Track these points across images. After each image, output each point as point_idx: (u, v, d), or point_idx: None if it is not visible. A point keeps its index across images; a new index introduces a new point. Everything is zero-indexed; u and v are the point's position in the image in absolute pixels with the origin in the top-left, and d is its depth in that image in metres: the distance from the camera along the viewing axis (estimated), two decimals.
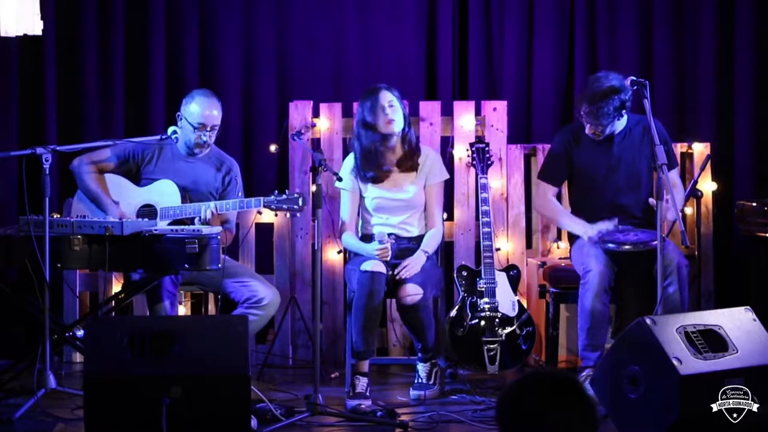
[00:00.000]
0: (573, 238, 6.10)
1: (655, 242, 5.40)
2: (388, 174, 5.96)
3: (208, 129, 5.88)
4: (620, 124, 5.98)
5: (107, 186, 5.88)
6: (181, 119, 5.90)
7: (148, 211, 5.82)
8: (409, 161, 5.97)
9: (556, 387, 2.90)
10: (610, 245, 5.77)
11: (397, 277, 5.75)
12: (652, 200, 5.86)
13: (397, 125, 5.92)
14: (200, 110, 5.86)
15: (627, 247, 5.75)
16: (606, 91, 5.83)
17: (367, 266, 5.72)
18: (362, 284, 5.69)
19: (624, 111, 5.89)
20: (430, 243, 5.94)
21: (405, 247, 5.92)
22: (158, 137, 5.72)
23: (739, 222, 6.43)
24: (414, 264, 5.79)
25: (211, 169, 5.99)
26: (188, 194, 5.87)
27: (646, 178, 6.00)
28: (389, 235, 5.90)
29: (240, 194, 6.01)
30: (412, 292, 5.72)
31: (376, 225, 5.97)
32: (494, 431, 2.92)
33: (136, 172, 5.94)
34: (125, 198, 5.86)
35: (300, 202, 5.65)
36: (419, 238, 5.97)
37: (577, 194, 6.10)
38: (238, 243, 6.39)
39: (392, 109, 5.90)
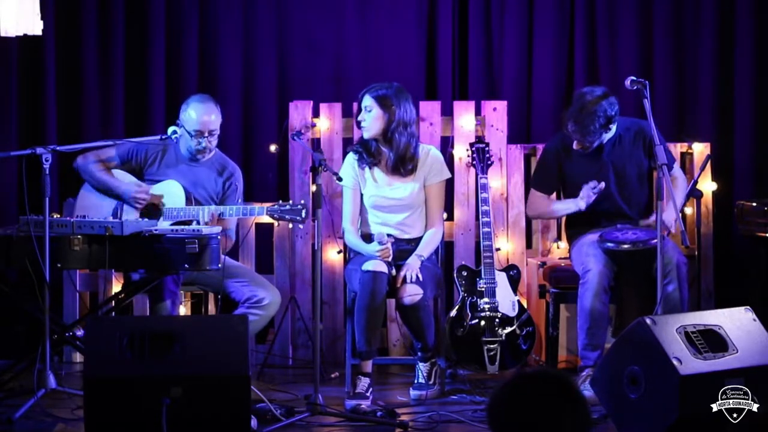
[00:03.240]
0: (572, 238, 6.11)
1: (654, 241, 5.40)
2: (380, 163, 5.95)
3: (206, 134, 5.87)
4: (608, 133, 5.97)
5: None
6: (180, 126, 5.89)
7: (153, 210, 5.82)
8: (400, 167, 5.92)
9: (546, 387, 2.90)
10: (609, 244, 5.77)
11: (399, 279, 5.74)
12: (643, 222, 5.88)
13: (366, 132, 5.90)
14: (196, 117, 5.85)
15: (626, 246, 5.75)
16: (591, 110, 5.82)
17: (369, 266, 5.71)
18: (364, 284, 5.68)
19: (611, 125, 5.88)
20: (426, 247, 5.91)
21: (404, 248, 5.91)
22: (158, 137, 5.72)
23: (739, 222, 6.43)
24: (412, 269, 5.77)
25: (213, 174, 5.98)
26: (191, 196, 5.87)
27: (638, 182, 6.00)
28: (387, 235, 5.89)
29: (240, 201, 6.00)
30: (412, 292, 5.71)
31: (374, 224, 5.96)
32: None
33: (138, 172, 5.95)
34: None
35: (303, 214, 5.64)
36: (419, 240, 5.96)
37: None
38: (238, 243, 6.39)
39: (365, 112, 5.89)
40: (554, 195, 6.20)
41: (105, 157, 5.93)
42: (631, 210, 6.00)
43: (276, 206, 5.68)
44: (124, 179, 5.91)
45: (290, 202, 5.71)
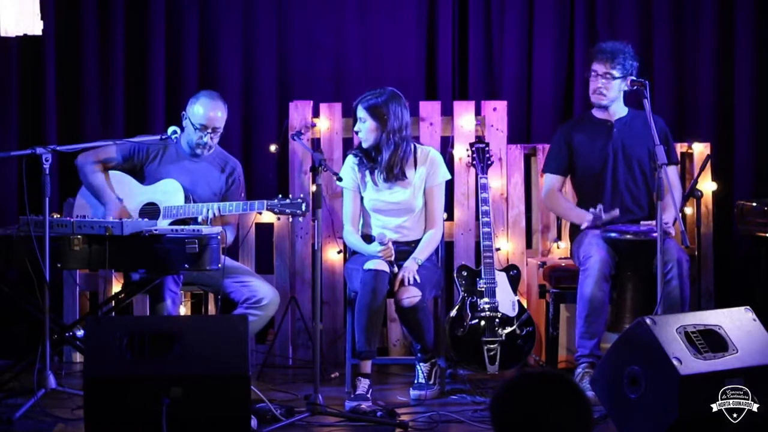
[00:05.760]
0: (575, 234, 6.10)
1: (657, 233, 5.39)
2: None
3: (210, 131, 5.87)
4: (622, 110, 6.01)
5: (111, 183, 5.89)
6: (185, 119, 5.90)
7: (151, 209, 5.82)
8: (390, 174, 5.88)
9: (548, 387, 2.91)
10: (612, 234, 5.78)
11: (397, 282, 5.73)
12: (644, 222, 5.90)
13: (364, 141, 5.90)
14: (203, 111, 5.85)
15: (629, 236, 5.76)
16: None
17: (371, 265, 5.71)
18: (365, 283, 5.68)
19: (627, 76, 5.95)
20: (424, 249, 5.90)
21: (403, 250, 5.90)
22: (158, 137, 5.72)
23: (739, 222, 6.44)
24: (409, 272, 5.76)
25: (215, 170, 5.98)
26: (191, 194, 5.87)
27: (648, 167, 6.00)
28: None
29: (242, 196, 6.01)
30: (411, 294, 5.71)
31: (375, 227, 5.96)
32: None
33: (140, 169, 5.95)
34: (129, 196, 5.87)
35: (303, 207, 5.66)
36: (419, 242, 5.95)
37: (579, 183, 6.11)
38: (238, 243, 6.39)
39: (360, 123, 5.89)
40: (569, 187, 6.19)
41: (104, 157, 5.91)
42: (637, 192, 6.00)
43: (276, 201, 5.69)
44: (120, 185, 5.88)
45: (290, 196, 5.72)
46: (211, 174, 5.97)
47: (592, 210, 5.89)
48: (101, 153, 5.91)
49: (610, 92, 6.01)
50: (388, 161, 5.87)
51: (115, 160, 5.93)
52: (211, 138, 5.89)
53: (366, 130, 5.88)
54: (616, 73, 5.96)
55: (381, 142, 5.87)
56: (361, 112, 5.88)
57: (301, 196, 5.74)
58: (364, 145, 5.91)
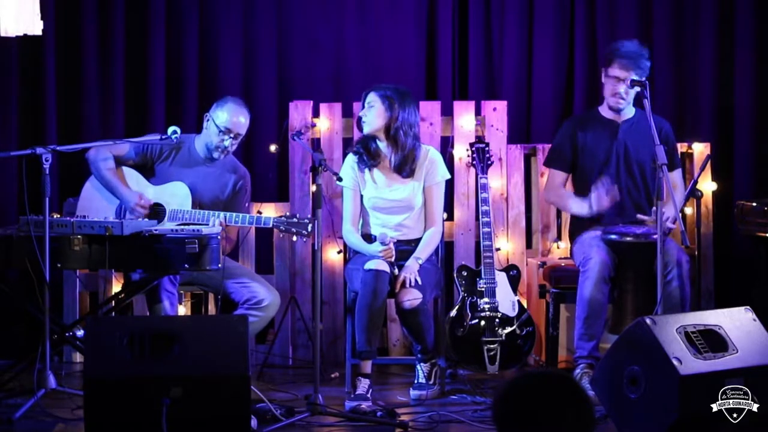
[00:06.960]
0: (574, 234, 6.10)
1: (656, 235, 5.39)
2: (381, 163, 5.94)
3: (232, 135, 5.87)
4: (630, 111, 6.02)
5: (124, 177, 5.89)
6: (208, 120, 5.89)
7: (157, 210, 5.82)
8: (402, 169, 5.91)
9: (549, 386, 2.92)
10: (613, 236, 5.78)
11: (398, 284, 5.73)
12: (640, 216, 5.89)
13: (366, 126, 5.89)
14: (229, 116, 5.85)
15: (629, 238, 5.75)
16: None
17: (371, 265, 5.70)
18: (366, 283, 5.67)
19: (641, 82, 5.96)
20: (425, 249, 5.90)
21: (403, 249, 5.90)
22: (158, 137, 5.72)
23: (739, 222, 6.43)
24: (410, 272, 5.76)
25: (225, 174, 5.98)
26: (198, 197, 5.86)
27: (650, 170, 6.00)
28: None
29: (246, 206, 6.01)
30: (412, 297, 5.70)
31: (374, 225, 5.96)
32: (494, 431, 2.95)
33: (151, 167, 5.95)
34: None
35: (309, 228, 5.65)
36: (419, 241, 5.95)
37: (580, 181, 6.09)
38: (238, 243, 6.39)
39: (368, 108, 5.89)
40: (570, 186, 6.17)
41: (120, 152, 5.90)
42: (640, 199, 6.00)
43: (283, 218, 5.69)
44: (129, 182, 5.89)
45: (297, 215, 5.71)
46: (220, 178, 5.97)
47: (592, 194, 5.87)
48: (114, 149, 5.89)
49: (629, 97, 5.99)
50: (407, 155, 5.87)
51: (128, 155, 5.92)
52: (231, 144, 5.89)
53: (373, 114, 5.86)
54: (635, 77, 5.93)
55: (390, 131, 5.84)
56: (371, 98, 5.87)
57: (308, 216, 5.74)
58: (367, 129, 5.89)
